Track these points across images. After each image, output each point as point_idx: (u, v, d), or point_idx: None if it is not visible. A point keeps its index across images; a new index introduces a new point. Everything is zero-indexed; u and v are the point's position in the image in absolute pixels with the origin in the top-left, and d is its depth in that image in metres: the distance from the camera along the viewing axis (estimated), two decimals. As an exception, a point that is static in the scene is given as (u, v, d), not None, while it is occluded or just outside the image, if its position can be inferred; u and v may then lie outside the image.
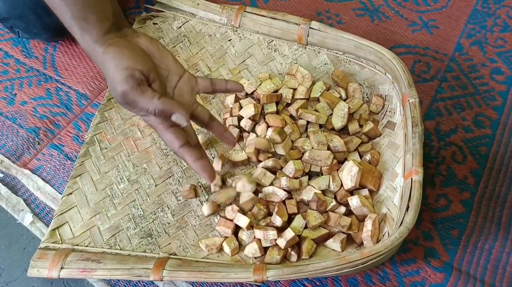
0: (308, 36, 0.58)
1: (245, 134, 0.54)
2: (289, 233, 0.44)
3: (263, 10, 0.60)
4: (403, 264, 0.48)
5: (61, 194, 0.51)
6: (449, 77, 0.63)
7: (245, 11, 0.61)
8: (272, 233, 0.44)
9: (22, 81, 0.62)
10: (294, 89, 0.56)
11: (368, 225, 0.44)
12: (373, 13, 0.70)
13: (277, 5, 0.71)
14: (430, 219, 0.51)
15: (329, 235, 0.46)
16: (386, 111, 0.54)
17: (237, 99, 0.56)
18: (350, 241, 0.46)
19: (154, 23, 0.65)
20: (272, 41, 0.61)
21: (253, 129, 0.54)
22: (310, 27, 0.57)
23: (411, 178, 0.42)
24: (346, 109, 0.52)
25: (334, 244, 0.45)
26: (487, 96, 0.61)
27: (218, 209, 0.49)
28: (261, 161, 0.51)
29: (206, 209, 0.48)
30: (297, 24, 0.58)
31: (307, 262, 0.42)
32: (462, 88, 0.62)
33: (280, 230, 0.45)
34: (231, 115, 0.54)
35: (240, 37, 0.62)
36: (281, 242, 0.44)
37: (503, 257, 0.48)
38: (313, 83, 0.56)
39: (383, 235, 0.44)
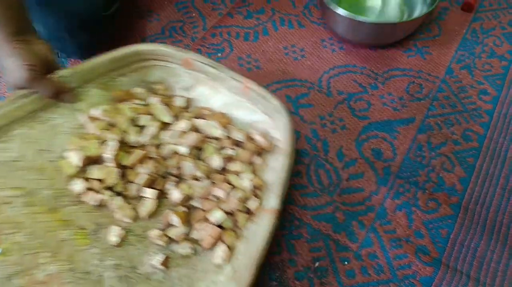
0: None
1: None
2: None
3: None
4: (396, 259, 0.53)
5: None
6: (440, 96, 0.70)
7: None
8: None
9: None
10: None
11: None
12: (372, 40, 0.79)
13: (285, 33, 0.79)
14: (420, 220, 0.56)
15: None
16: None
17: None
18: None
19: None
20: None
21: None
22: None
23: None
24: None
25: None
26: (475, 114, 0.68)
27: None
28: None
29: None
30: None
31: None
32: (452, 106, 0.69)
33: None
34: None
35: None
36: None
37: (488, 255, 0.53)
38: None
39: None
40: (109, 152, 0.50)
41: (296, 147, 0.58)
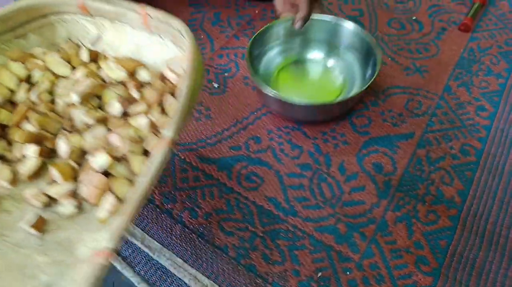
0: None
1: None
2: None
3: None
4: (396, 269, 0.55)
5: None
6: (438, 113, 0.72)
7: None
8: None
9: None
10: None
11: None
12: (372, 60, 0.82)
13: (290, 53, 0.83)
14: (420, 231, 0.58)
15: None
16: None
17: None
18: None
19: None
20: None
21: None
22: None
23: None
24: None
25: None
26: (473, 129, 0.70)
27: None
28: None
29: None
30: None
31: None
32: (450, 122, 0.71)
33: None
34: None
35: None
36: None
37: (486, 265, 0.55)
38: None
39: None
40: None
41: (203, 69, 0.53)
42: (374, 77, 0.64)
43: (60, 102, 0.49)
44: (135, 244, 0.58)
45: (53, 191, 0.43)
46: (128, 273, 0.56)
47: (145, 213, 0.61)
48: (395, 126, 0.71)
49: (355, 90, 0.71)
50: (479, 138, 0.69)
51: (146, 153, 0.44)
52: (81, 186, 0.43)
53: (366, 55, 0.71)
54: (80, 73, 0.50)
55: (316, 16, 0.73)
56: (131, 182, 0.42)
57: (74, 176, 0.44)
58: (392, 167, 0.65)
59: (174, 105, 0.46)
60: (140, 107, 0.47)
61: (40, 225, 0.41)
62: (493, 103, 0.73)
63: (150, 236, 0.58)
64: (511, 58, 0.81)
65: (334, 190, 0.63)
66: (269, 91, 0.63)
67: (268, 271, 0.55)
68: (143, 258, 0.57)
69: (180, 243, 0.58)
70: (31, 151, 0.45)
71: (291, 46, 0.79)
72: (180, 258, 0.56)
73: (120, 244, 0.34)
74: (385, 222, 0.59)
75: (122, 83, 0.50)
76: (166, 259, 0.56)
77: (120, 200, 0.41)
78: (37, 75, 0.50)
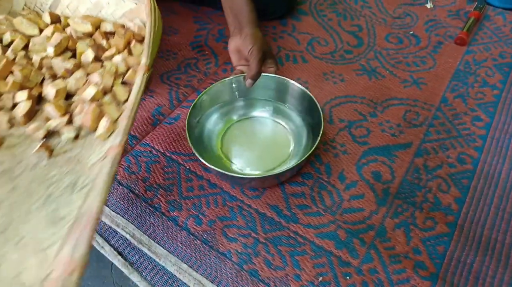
0: None
1: None
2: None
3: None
4: (395, 273, 0.56)
5: (115, 212, 0.64)
6: (435, 123, 0.75)
7: None
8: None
9: (86, 125, 0.78)
10: None
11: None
12: (371, 73, 0.85)
13: (290, 68, 0.86)
14: (418, 237, 0.60)
15: None
16: None
17: None
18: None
19: None
20: None
21: None
22: None
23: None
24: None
25: None
26: (469, 139, 0.72)
27: None
28: None
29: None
30: None
31: None
32: (447, 132, 0.73)
33: None
34: None
35: None
36: None
37: (483, 270, 0.56)
38: None
39: None
40: None
41: (159, 13, 0.57)
42: (317, 142, 0.60)
43: (36, 58, 0.55)
44: (142, 250, 0.60)
45: (53, 125, 0.49)
46: (135, 278, 0.58)
47: (152, 220, 0.63)
48: (394, 136, 0.73)
49: (302, 148, 0.68)
50: (475, 148, 0.71)
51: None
52: (76, 118, 0.50)
53: (310, 112, 0.68)
54: (48, 30, 0.57)
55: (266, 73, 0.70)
56: (119, 107, 0.50)
57: (65, 113, 0.51)
58: (391, 175, 0.67)
59: (139, 48, 0.55)
60: (110, 52, 0.55)
61: (48, 148, 0.47)
62: (489, 113, 0.76)
63: (157, 243, 0.61)
64: (505, 71, 0.83)
65: (334, 198, 0.65)
66: (207, 163, 0.58)
67: (270, 276, 0.57)
68: (149, 264, 0.59)
69: (185, 249, 0.60)
70: (21, 96, 0.51)
71: (237, 104, 0.75)
72: (185, 263, 0.58)
73: (126, 138, 0.42)
74: (384, 229, 0.61)
75: (90, 36, 0.58)
76: (172, 264, 0.58)
77: (113, 122, 0.48)
78: (7, 36, 0.56)
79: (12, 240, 0.39)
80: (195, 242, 0.60)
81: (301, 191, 0.66)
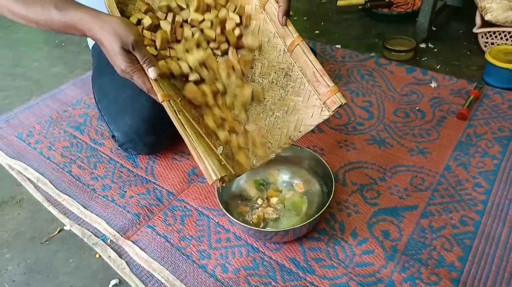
0: None
1: None
2: None
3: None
4: (402, 323, 0.62)
5: (152, 258, 0.73)
6: (439, 188, 0.83)
7: None
8: None
9: (131, 183, 0.90)
10: None
11: None
12: (380, 142, 0.95)
13: (310, 136, 0.98)
14: (424, 291, 0.65)
15: None
16: None
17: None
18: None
19: None
20: None
21: None
22: None
23: None
24: None
25: None
26: (471, 203, 0.79)
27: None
28: None
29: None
30: None
31: None
32: (450, 196, 0.81)
33: None
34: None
35: None
36: None
37: (485, 324, 0.61)
38: None
39: None
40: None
41: None
42: (328, 202, 0.69)
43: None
44: (174, 293, 0.68)
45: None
46: (168, 318, 0.65)
47: (184, 267, 0.71)
48: (401, 199, 0.81)
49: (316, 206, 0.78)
50: (477, 211, 0.78)
51: None
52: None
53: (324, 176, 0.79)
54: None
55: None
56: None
57: None
58: (399, 234, 0.74)
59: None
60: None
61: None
62: (489, 181, 0.84)
63: (188, 287, 0.69)
64: (504, 143, 0.92)
65: (347, 252, 0.72)
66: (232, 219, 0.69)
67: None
68: (181, 306, 0.66)
69: (213, 294, 0.67)
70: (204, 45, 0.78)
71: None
72: (213, 306, 0.66)
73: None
74: (392, 282, 0.67)
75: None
76: (201, 307, 0.66)
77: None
78: (173, 4, 0.77)
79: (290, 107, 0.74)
80: (222, 287, 0.68)
81: (317, 245, 0.74)
